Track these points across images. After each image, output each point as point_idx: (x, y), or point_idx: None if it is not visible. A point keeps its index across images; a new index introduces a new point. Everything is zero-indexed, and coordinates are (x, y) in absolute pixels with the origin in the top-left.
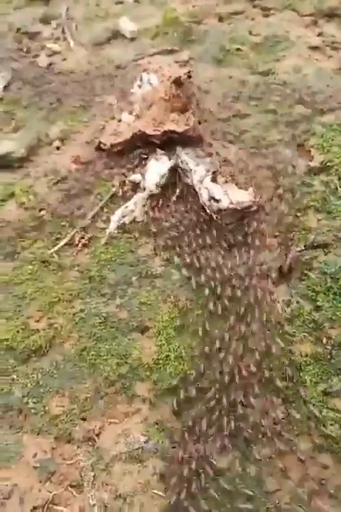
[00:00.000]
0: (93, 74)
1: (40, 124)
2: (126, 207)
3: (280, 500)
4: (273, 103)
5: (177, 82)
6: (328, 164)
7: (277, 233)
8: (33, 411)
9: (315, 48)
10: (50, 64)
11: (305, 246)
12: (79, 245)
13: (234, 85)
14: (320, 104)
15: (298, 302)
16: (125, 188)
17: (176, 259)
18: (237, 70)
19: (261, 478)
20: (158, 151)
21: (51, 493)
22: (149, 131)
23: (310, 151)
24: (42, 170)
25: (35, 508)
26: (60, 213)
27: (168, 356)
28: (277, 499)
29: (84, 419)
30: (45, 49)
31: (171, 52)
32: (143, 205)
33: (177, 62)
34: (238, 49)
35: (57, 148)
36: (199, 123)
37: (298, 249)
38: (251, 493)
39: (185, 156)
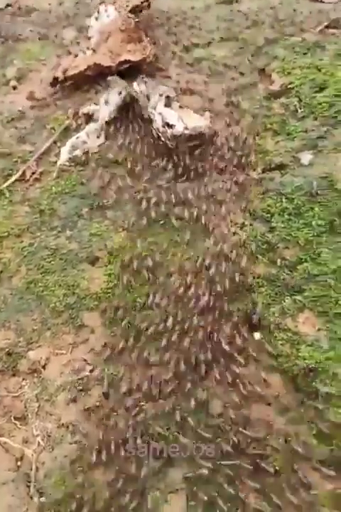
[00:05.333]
0: (52, 13)
1: None
2: (78, 137)
3: (225, 422)
4: (236, 30)
5: (135, 12)
6: (288, 87)
7: (234, 158)
8: None
9: None
10: (8, 4)
11: (262, 169)
12: (31, 180)
13: (197, 14)
14: (285, 29)
15: (251, 225)
16: (79, 121)
17: (128, 189)
18: None
19: (208, 404)
20: (113, 80)
21: None
22: (105, 63)
23: (270, 75)
24: None
25: None
26: (13, 150)
27: (116, 285)
28: (221, 421)
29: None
30: None
31: None
32: (96, 136)
33: None
34: None
35: (14, 87)
36: (158, 53)
37: (256, 172)
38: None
39: (141, 84)
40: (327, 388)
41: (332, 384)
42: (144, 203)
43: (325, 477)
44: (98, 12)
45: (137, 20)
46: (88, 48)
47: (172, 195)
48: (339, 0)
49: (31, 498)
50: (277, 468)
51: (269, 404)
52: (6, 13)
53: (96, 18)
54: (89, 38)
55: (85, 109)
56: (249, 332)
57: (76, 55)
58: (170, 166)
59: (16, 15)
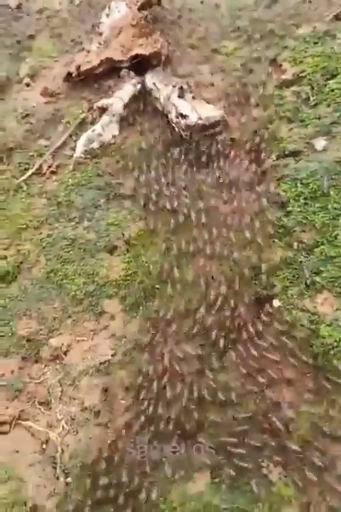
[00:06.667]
0: (64, 11)
1: (10, 63)
2: (93, 130)
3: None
4: (246, 23)
5: (145, 7)
6: (300, 75)
7: (248, 146)
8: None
9: None
10: (20, 4)
11: (277, 156)
12: (48, 173)
13: (207, 9)
14: (295, 19)
15: (267, 210)
16: (94, 114)
17: (145, 179)
18: None
19: (229, 384)
20: (126, 74)
21: (18, 409)
22: (117, 57)
23: (281, 65)
24: (12, 106)
25: (2, 423)
26: (29, 144)
27: (135, 272)
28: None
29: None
30: None
31: None
32: (111, 128)
33: None
34: None
35: (27, 84)
36: (169, 46)
37: (270, 159)
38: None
39: (154, 77)
40: None
41: None
42: (160, 192)
43: None
44: (109, 8)
45: (148, 15)
46: (100, 44)
47: (189, 184)
48: None
49: (57, 478)
50: (300, 445)
51: (290, 382)
52: (17, 13)
53: (108, 15)
54: (100, 34)
55: (99, 102)
56: (267, 315)
57: (88, 51)
58: (185, 156)
59: (28, 14)
